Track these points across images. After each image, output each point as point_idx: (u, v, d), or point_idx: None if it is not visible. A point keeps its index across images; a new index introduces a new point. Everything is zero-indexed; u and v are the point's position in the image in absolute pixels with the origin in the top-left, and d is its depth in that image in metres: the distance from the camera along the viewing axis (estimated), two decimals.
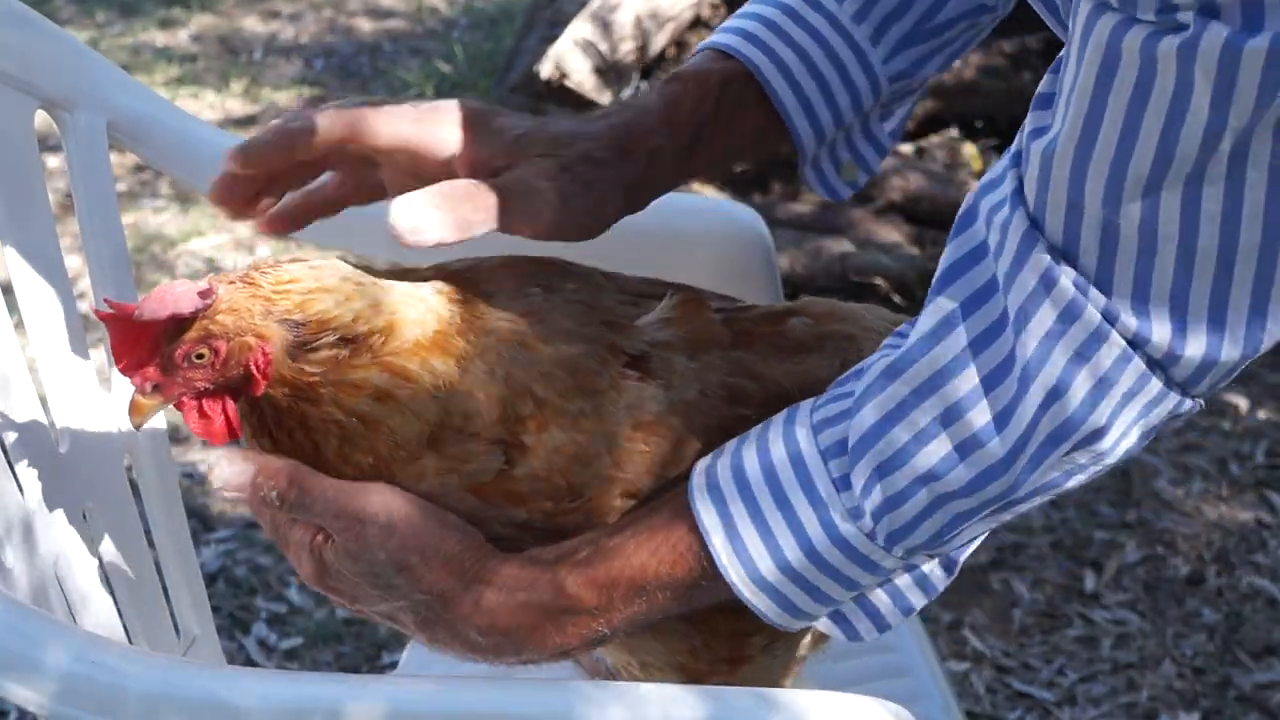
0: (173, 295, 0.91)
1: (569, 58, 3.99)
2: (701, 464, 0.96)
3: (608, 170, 1.06)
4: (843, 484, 0.91)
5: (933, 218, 3.66)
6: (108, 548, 1.23)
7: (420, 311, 0.97)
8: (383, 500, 0.94)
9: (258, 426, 0.96)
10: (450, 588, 0.95)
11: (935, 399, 0.88)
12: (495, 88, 4.50)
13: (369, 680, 1.18)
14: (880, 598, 0.97)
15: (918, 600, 0.97)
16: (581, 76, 3.99)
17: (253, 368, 0.93)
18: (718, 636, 1.03)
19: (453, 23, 5.70)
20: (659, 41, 4.06)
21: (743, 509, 0.93)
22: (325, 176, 1.10)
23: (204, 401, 0.95)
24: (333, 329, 0.93)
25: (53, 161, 3.60)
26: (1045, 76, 0.89)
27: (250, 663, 2.35)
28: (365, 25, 5.75)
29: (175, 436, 2.95)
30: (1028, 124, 0.88)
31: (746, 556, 0.93)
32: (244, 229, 3.89)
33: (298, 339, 0.93)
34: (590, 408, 0.97)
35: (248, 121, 4.76)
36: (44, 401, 1.20)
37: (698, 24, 4.12)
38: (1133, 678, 2.30)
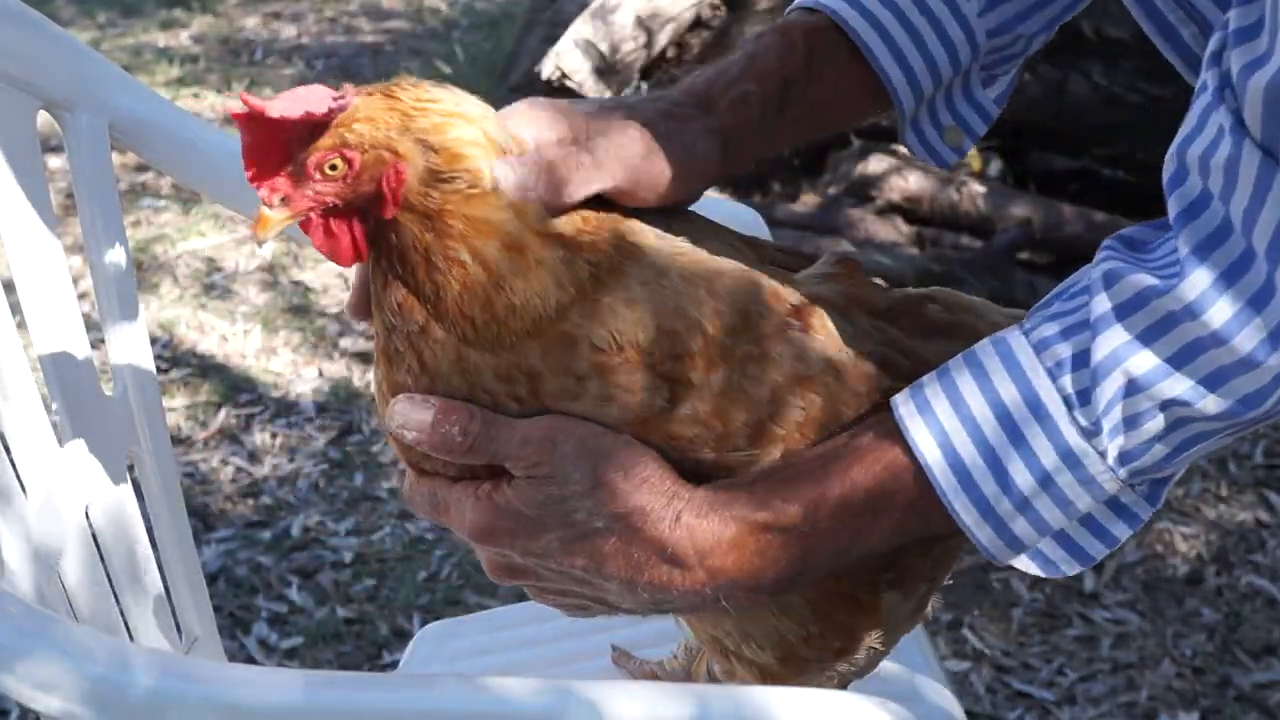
0: (306, 95, 0.86)
1: (569, 58, 3.99)
2: (904, 392, 0.93)
3: (692, 122, 1.05)
4: (1080, 399, 0.88)
5: (932, 218, 3.66)
6: (110, 547, 1.23)
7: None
8: (569, 423, 0.92)
9: (382, 257, 0.92)
10: (650, 503, 0.92)
11: (1193, 326, 0.86)
12: (495, 88, 4.50)
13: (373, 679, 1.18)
14: (1081, 532, 0.94)
15: (1121, 532, 0.94)
16: (582, 77, 3.99)
17: (384, 186, 0.89)
18: (836, 629, 1.01)
19: (453, 23, 5.70)
20: (659, 42, 4.07)
21: (963, 433, 0.90)
22: None
23: (331, 220, 0.90)
24: (465, 166, 0.90)
25: (54, 162, 3.60)
26: (1233, 11, 0.87)
27: (251, 662, 2.36)
28: (366, 26, 5.75)
29: (175, 436, 2.96)
30: (1234, 60, 0.86)
31: (970, 483, 0.90)
32: (244, 229, 3.90)
33: (431, 165, 0.89)
34: (757, 352, 0.94)
35: None
36: (46, 401, 1.20)
37: (698, 24, 4.12)
38: (1132, 677, 2.30)
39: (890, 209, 3.67)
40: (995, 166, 3.90)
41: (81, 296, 1.28)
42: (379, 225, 0.91)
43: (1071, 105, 3.74)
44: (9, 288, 1.22)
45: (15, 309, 1.19)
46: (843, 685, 1.06)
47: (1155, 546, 2.59)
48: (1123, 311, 0.87)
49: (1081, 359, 0.88)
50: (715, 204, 1.95)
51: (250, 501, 2.81)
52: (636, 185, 0.99)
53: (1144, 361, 0.86)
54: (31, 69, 1.25)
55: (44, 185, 1.25)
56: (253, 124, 0.86)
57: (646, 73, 4.12)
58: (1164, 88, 3.66)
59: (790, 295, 0.97)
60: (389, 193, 0.89)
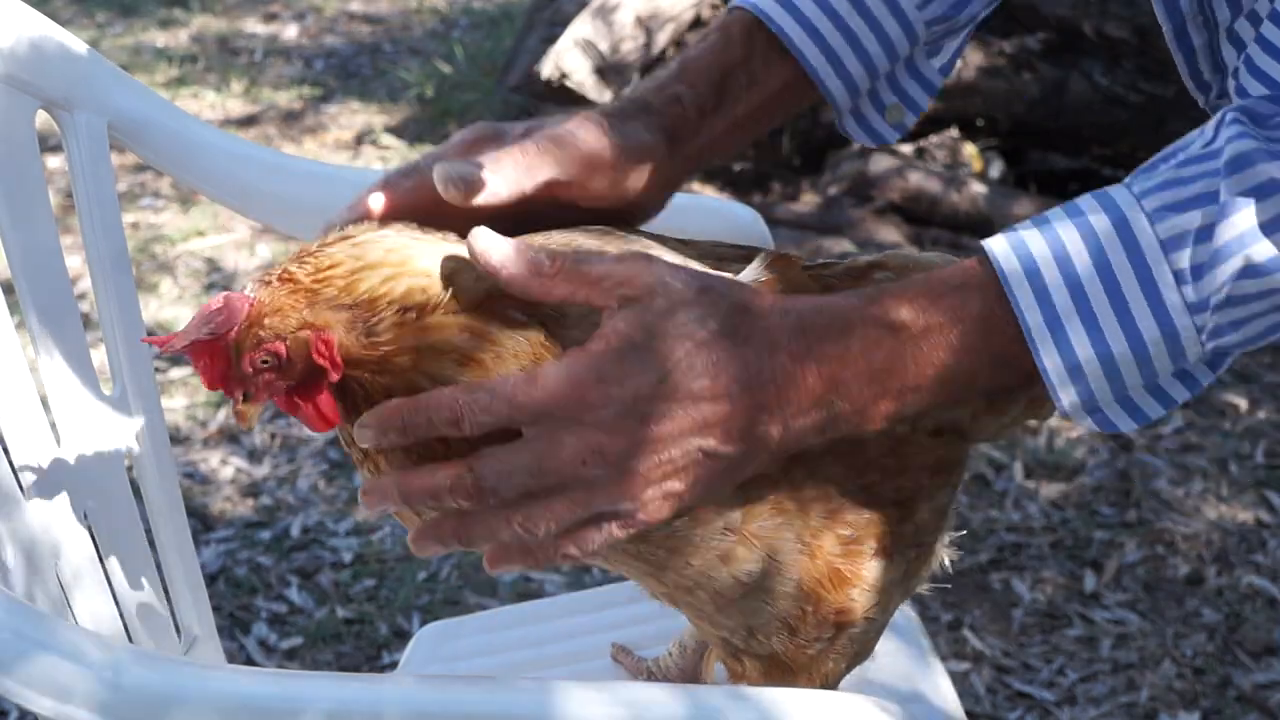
0: (206, 312, 0.91)
1: (569, 58, 3.99)
2: (1003, 241, 0.92)
3: (634, 122, 1.08)
4: (1194, 274, 0.88)
5: (932, 217, 3.66)
6: (108, 547, 1.23)
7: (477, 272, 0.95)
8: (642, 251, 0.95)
9: (352, 408, 0.95)
10: (757, 300, 0.92)
11: None
12: (495, 88, 4.50)
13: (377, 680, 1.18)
14: (1144, 396, 0.95)
15: (1180, 395, 0.95)
16: (581, 76, 3.99)
17: (317, 358, 0.92)
18: (828, 603, 1.02)
19: (453, 23, 5.70)
20: (659, 41, 4.07)
21: (1067, 297, 0.90)
22: None
23: (294, 397, 0.94)
24: (388, 303, 0.92)
25: (53, 162, 3.60)
26: None
27: (251, 663, 2.36)
28: (365, 26, 5.76)
29: (175, 436, 2.95)
30: None
31: (1067, 347, 0.90)
32: (244, 229, 3.90)
33: (357, 318, 0.92)
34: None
35: (248, 121, 4.76)
36: (45, 401, 1.20)
37: (698, 24, 4.12)
38: (1133, 678, 2.30)
39: (890, 209, 3.67)
40: (995, 166, 3.90)
41: (81, 297, 1.28)
42: (339, 384, 0.94)
43: (1071, 105, 3.74)
44: (9, 288, 1.22)
45: (15, 309, 1.19)
46: (850, 668, 1.07)
47: (1155, 546, 2.59)
48: (1256, 196, 0.87)
49: (1204, 235, 0.88)
50: (715, 204, 1.96)
51: (250, 501, 2.81)
52: (587, 172, 1.03)
53: (1265, 250, 0.87)
54: (31, 69, 1.25)
55: (43, 185, 1.25)
56: (194, 349, 0.92)
57: (646, 73, 4.12)
58: (1164, 88, 3.66)
59: None
60: (325, 362, 0.92)
